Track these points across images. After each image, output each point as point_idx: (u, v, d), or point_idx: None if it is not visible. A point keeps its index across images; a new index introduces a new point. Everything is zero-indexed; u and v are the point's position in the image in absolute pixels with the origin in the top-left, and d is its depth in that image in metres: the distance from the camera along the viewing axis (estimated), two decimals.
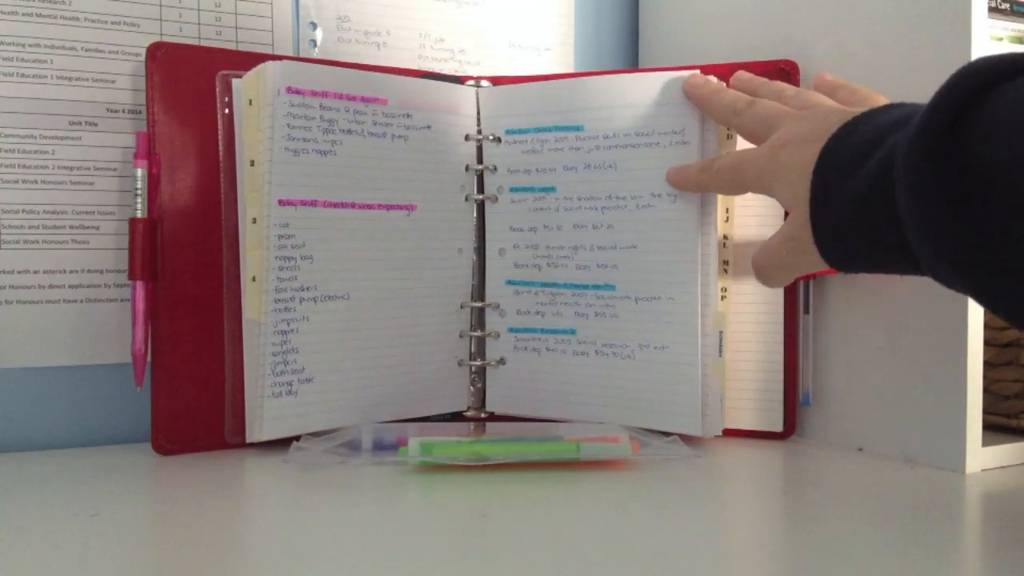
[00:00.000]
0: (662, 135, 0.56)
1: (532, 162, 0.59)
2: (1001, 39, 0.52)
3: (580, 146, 0.58)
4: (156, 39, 0.57)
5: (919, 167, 0.33)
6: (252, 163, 0.52)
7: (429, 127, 0.58)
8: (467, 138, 0.60)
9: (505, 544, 0.37)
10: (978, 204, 0.32)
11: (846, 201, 0.39)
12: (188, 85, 0.54)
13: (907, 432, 0.52)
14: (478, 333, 0.60)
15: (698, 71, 0.55)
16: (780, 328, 0.57)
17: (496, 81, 0.61)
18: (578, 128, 0.58)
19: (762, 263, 0.47)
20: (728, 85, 0.55)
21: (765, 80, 0.54)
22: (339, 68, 0.55)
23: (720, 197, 0.56)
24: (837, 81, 0.51)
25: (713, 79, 0.55)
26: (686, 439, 0.53)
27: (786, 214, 0.45)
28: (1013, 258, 0.31)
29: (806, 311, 0.57)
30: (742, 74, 0.55)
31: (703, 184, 0.54)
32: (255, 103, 0.52)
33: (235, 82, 0.54)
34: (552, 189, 0.59)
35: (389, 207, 0.56)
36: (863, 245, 0.39)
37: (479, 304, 0.60)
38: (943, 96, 0.33)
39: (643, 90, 0.56)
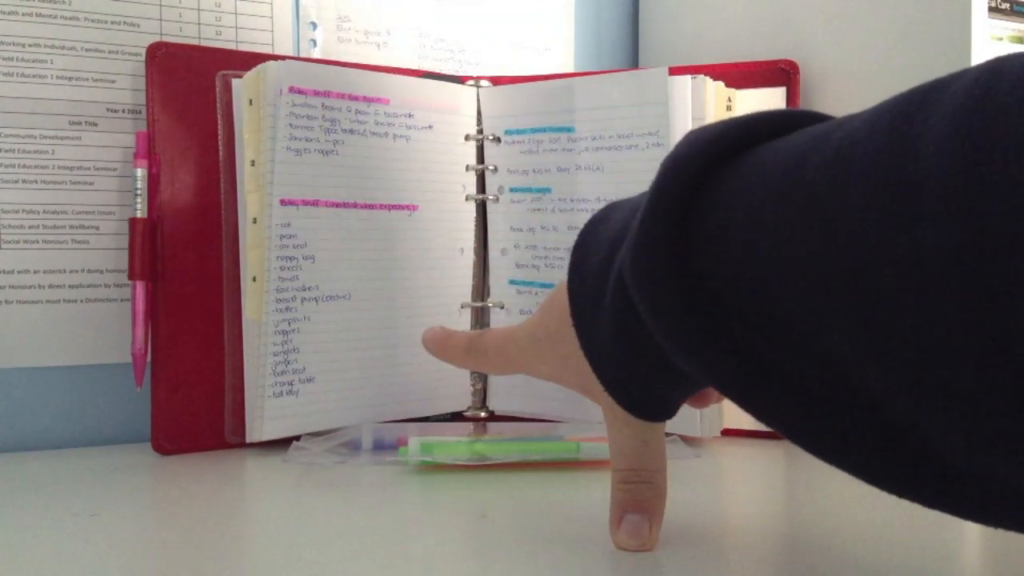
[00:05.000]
0: (639, 137, 0.55)
1: (529, 163, 0.59)
2: (1001, 39, 0.51)
3: (572, 147, 0.58)
4: (156, 39, 0.57)
5: (650, 292, 0.29)
6: (252, 163, 0.52)
7: (431, 127, 0.58)
8: (467, 138, 0.60)
9: (505, 544, 0.37)
10: (716, 316, 0.28)
11: (612, 345, 0.33)
12: (188, 85, 0.54)
13: None
14: None
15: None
16: None
17: (496, 81, 0.61)
18: (569, 129, 0.58)
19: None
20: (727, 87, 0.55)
21: None
22: (341, 68, 0.55)
23: None
24: None
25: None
26: (686, 439, 0.53)
27: None
28: (762, 370, 0.28)
29: None
30: None
31: (471, 366, 0.50)
32: (256, 103, 0.52)
33: (235, 82, 0.54)
34: (548, 190, 0.59)
35: (391, 207, 0.56)
36: (655, 384, 0.34)
37: (480, 304, 0.60)
38: (657, 206, 0.28)
39: (620, 91, 0.56)
